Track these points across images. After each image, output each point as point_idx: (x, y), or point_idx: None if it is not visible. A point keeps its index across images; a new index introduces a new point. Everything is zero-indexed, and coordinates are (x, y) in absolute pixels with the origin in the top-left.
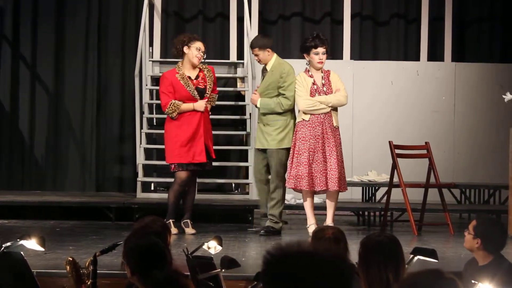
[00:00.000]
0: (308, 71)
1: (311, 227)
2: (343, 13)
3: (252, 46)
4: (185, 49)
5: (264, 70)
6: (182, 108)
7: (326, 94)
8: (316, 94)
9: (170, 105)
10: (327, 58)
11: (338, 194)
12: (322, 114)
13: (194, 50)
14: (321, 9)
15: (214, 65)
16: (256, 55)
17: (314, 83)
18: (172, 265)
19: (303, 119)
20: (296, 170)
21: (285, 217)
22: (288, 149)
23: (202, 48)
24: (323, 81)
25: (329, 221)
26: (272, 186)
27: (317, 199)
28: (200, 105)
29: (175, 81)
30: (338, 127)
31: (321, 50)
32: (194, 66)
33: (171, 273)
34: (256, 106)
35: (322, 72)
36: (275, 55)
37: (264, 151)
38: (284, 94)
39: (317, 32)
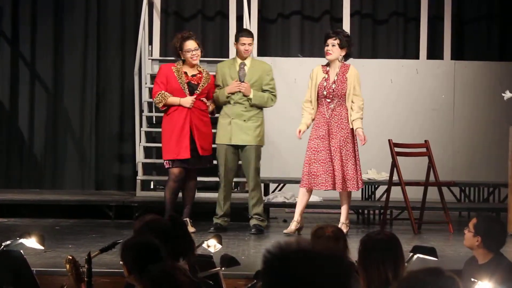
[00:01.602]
0: (327, 65)
1: (291, 224)
2: (342, 11)
3: (252, 36)
4: (181, 54)
5: (242, 65)
6: (169, 101)
7: (334, 91)
8: (324, 91)
9: (158, 95)
10: (350, 53)
11: (349, 194)
12: (328, 112)
13: (187, 53)
14: (320, 7)
15: (213, 63)
16: (250, 45)
17: (326, 79)
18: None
19: (312, 119)
20: (303, 169)
21: (284, 215)
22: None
23: (193, 46)
24: (335, 77)
25: (342, 220)
26: (252, 184)
27: (317, 198)
28: (186, 101)
29: (170, 72)
30: (351, 122)
31: (330, 41)
32: (193, 66)
33: (167, 268)
34: (247, 96)
35: (339, 67)
36: None
37: (237, 148)
38: (273, 92)
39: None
